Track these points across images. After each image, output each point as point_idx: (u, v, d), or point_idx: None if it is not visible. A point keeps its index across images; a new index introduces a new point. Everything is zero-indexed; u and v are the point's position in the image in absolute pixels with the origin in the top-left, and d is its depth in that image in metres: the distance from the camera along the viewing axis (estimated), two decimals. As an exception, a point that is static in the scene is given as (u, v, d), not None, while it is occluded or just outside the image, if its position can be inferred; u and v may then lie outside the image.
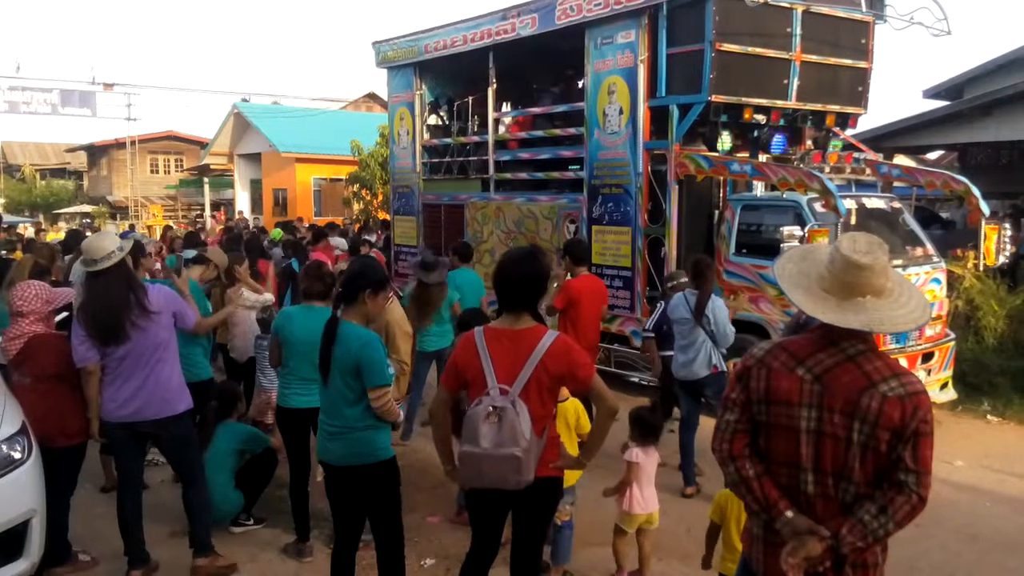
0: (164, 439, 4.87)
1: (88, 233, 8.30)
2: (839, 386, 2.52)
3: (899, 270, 7.61)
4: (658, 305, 7.25)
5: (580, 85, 10.45)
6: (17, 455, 4.32)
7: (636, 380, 9.01)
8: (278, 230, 16.71)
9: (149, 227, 29.05)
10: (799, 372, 2.58)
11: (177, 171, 44.33)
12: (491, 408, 3.34)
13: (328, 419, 4.05)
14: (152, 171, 44.85)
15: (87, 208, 41.57)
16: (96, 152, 46.21)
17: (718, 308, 6.25)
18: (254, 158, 31.97)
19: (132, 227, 18.12)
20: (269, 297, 7.30)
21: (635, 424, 4.78)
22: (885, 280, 2.56)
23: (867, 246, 2.55)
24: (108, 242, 4.71)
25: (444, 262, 7.36)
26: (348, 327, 3.98)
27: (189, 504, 4.99)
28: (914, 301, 2.59)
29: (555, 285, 6.62)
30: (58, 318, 5.26)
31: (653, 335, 7.07)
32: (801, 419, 2.56)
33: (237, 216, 28.88)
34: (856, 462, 2.51)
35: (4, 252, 9.61)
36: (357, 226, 20.41)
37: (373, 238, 15.24)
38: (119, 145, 40.69)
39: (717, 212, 9.24)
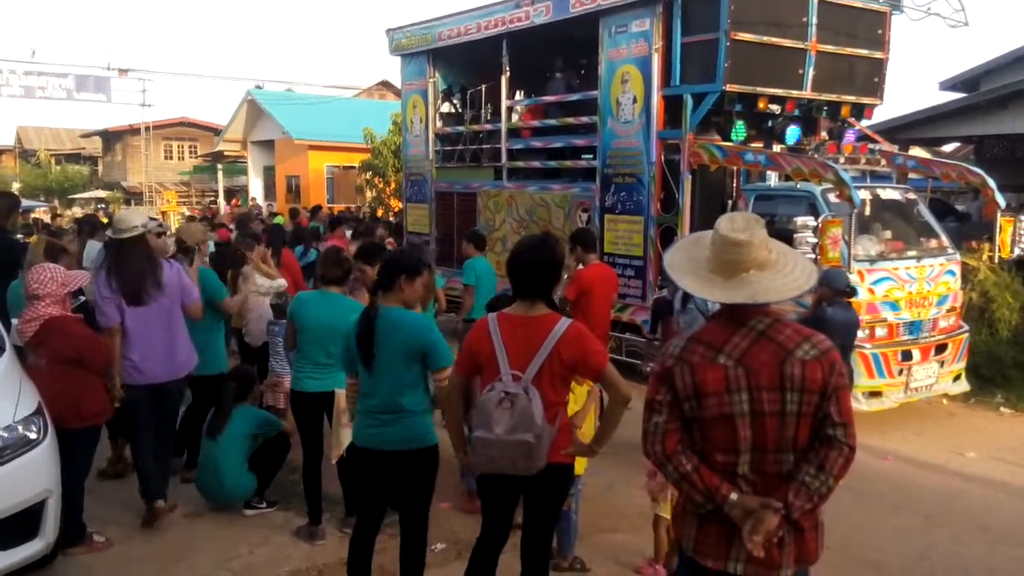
0: (170, 398, 5.46)
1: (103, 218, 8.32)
2: (760, 364, 2.61)
3: (912, 261, 7.71)
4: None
5: (594, 73, 10.42)
6: (33, 436, 4.36)
7: (648, 369, 9.00)
8: (281, 217, 16.79)
9: (163, 213, 29.15)
10: (720, 360, 2.65)
11: (191, 157, 44.41)
12: (504, 394, 3.36)
13: (379, 404, 3.97)
14: (166, 157, 44.94)
15: (102, 194, 41.71)
16: (111, 138, 46.31)
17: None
18: (267, 145, 32.01)
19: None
20: (283, 283, 7.32)
21: None
22: (767, 253, 2.65)
23: (744, 223, 2.66)
24: (136, 217, 5.43)
25: (430, 248, 7.35)
26: (399, 313, 3.97)
27: (155, 453, 5.45)
28: (799, 269, 2.69)
29: (566, 276, 6.61)
30: (75, 303, 5.36)
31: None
32: (734, 404, 2.62)
33: (250, 203, 28.95)
34: (792, 431, 2.60)
35: (21, 236, 9.64)
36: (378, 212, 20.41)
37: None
38: (133, 131, 40.74)
39: (730, 202, 9.21)
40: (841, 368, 2.62)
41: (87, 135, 48.66)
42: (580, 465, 4.46)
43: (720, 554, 2.69)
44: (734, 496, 2.61)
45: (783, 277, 2.64)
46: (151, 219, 5.88)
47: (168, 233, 9.94)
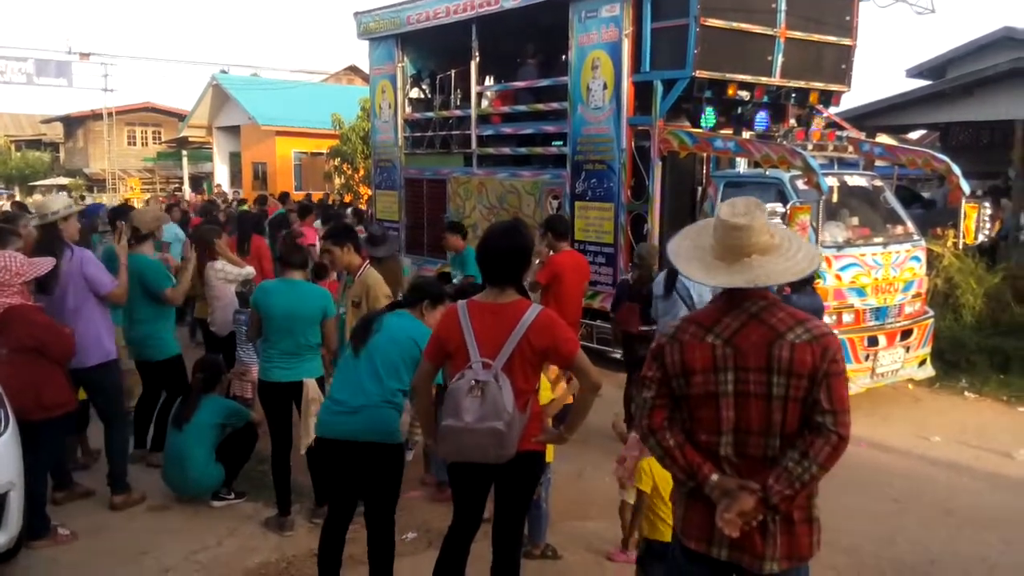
0: (85, 386, 5.39)
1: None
2: (749, 344, 2.60)
3: (879, 247, 7.77)
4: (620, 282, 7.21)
5: (563, 59, 10.38)
6: (-7, 428, 4.27)
7: (618, 356, 9.02)
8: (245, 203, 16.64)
9: (126, 200, 28.71)
10: (709, 339, 2.65)
11: (155, 143, 43.80)
12: (474, 382, 3.32)
13: (351, 393, 3.98)
14: (129, 143, 44.28)
15: (63, 180, 40.99)
16: (72, 123, 45.53)
17: (700, 283, 6.22)
18: (233, 131, 31.66)
19: (99, 204, 17.94)
20: (250, 271, 7.21)
21: None
22: (769, 237, 2.66)
23: (745, 208, 2.66)
24: (54, 203, 5.59)
25: (393, 236, 7.25)
26: (418, 322, 4.07)
27: (108, 444, 5.52)
28: (802, 253, 2.69)
29: (537, 261, 6.59)
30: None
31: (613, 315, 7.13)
32: (720, 383, 2.63)
33: (215, 189, 28.60)
34: (779, 415, 2.58)
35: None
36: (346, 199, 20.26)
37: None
38: (96, 116, 40.13)
39: (700, 189, 9.23)
40: (836, 354, 2.57)
41: (48, 121, 47.81)
42: (549, 453, 4.45)
43: (704, 536, 2.68)
44: (715, 477, 2.61)
45: (785, 261, 2.64)
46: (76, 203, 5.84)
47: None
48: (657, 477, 4.03)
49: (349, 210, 15.24)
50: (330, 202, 19.95)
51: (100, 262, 5.55)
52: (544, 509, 4.73)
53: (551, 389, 4.51)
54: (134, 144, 44.62)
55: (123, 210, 7.33)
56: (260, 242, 8.80)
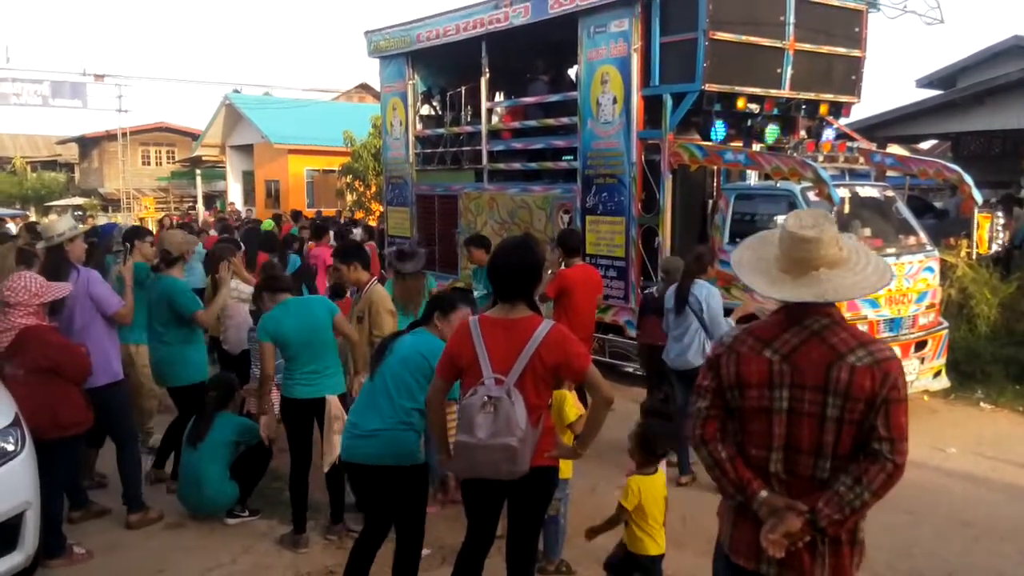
0: (93, 406, 5.11)
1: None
2: (808, 363, 2.54)
3: (891, 258, 7.74)
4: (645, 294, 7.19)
5: (574, 75, 10.43)
6: (10, 447, 4.30)
7: (631, 370, 9.01)
8: (269, 221, 16.71)
9: (141, 219, 28.89)
10: (767, 354, 2.60)
11: (169, 163, 44.08)
12: (486, 398, 3.33)
13: (367, 417, 4.01)
14: (144, 163, 44.61)
15: (79, 200, 41.31)
16: (87, 144, 45.91)
17: (712, 297, 6.23)
18: (246, 149, 31.84)
19: (114, 224, 18.13)
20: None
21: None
22: (837, 250, 2.58)
23: (813, 220, 2.59)
24: (60, 225, 5.62)
25: (420, 252, 7.27)
26: (432, 338, 4.10)
27: (121, 465, 5.48)
28: (871, 267, 2.61)
29: (549, 272, 6.60)
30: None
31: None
32: (774, 400, 2.58)
33: (229, 208, 28.77)
34: (832, 436, 2.52)
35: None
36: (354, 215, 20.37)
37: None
38: (110, 137, 40.37)
39: (711, 201, 9.23)
40: (897, 380, 2.49)
41: (63, 142, 48.22)
42: (567, 469, 4.45)
43: (752, 554, 2.65)
44: (764, 493, 2.57)
45: (854, 275, 2.57)
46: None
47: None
48: (644, 497, 4.05)
49: (358, 228, 15.29)
50: (342, 220, 20.04)
51: (106, 282, 5.59)
52: (562, 525, 4.72)
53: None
54: (148, 164, 44.95)
55: (137, 231, 7.35)
56: (266, 259, 8.86)
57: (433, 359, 3.85)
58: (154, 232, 9.79)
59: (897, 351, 7.58)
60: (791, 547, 2.51)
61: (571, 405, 4.52)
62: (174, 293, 5.95)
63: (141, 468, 5.70)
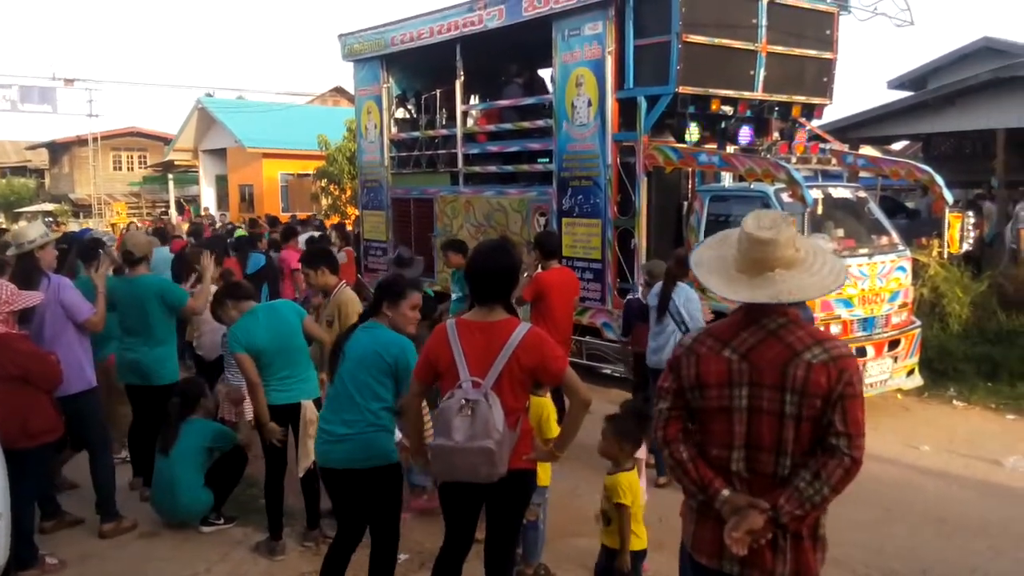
0: (66, 414, 5.04)
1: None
2: (765, 361, 2.58)
3: (864, 258, 7.82)
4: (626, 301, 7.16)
5: (548, 77, 10.45)
6: (-21, 457, 4.24)
7: (608, 372, 9.04)
8: (242, 230, 16.59)
9: (113, 225, 28.64)
10: (726, 353, 2.64)
11: (141, 168, 43.69)
12: (464, 401, 3.33)
13: (335, 423, 3.98)
14: (115, 168, 44.16)
15: (49, 206, 40.84)
16: (57, 149, 45.41)
17: (689, 300, 6.25)
18: (219, 154, 31.64)
19: (87, 229, 17.86)
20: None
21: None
22: (794, 252, 2.62)
23: (771, 222, 2.62)
24: (31, 231, 5.55)
25: (419, 259, 7.31)
26: (383, 330, 4.03)
27: (94, 474, 5.44)
28: (827, 268, 2.65)
29: (525, 275, 6.60)
30: None
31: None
32: (734, 398, 2.61)
33: (203, 212, 28.56)
34: (791, 433, 2.56)
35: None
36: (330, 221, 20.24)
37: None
38: (81, 142, 40.00)
39: (686, 203, 9.28)
40: (852, 377, 2.54)
41: (33, 147, 47.66)
42: (545, 476, 4.45)
43: (715, 552, 2.67)
44: (725, 492, 2.60)
45: (810, 276, 2.60)
46: (103, 233, 5.82)
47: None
48: (634, 492, 4.07)
49: (333, 231, 15.19)
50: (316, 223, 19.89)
51: (77, 289, 5.49)
52: (541, 530, 4.71)
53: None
54: (120, 169, 44.50)
55: (102, 241, 7.30)
56: (232, 263, 8.81)
57: (387, 353, 3.87)
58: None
59: (870, 350, 7.72)
60: (753, 544, 2.54)
61: (553, 422, 4.53)
62: (164, 287, 5.95)
63: (114, 476, 5.61)
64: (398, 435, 4.15)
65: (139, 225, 22.31)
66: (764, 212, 2.69)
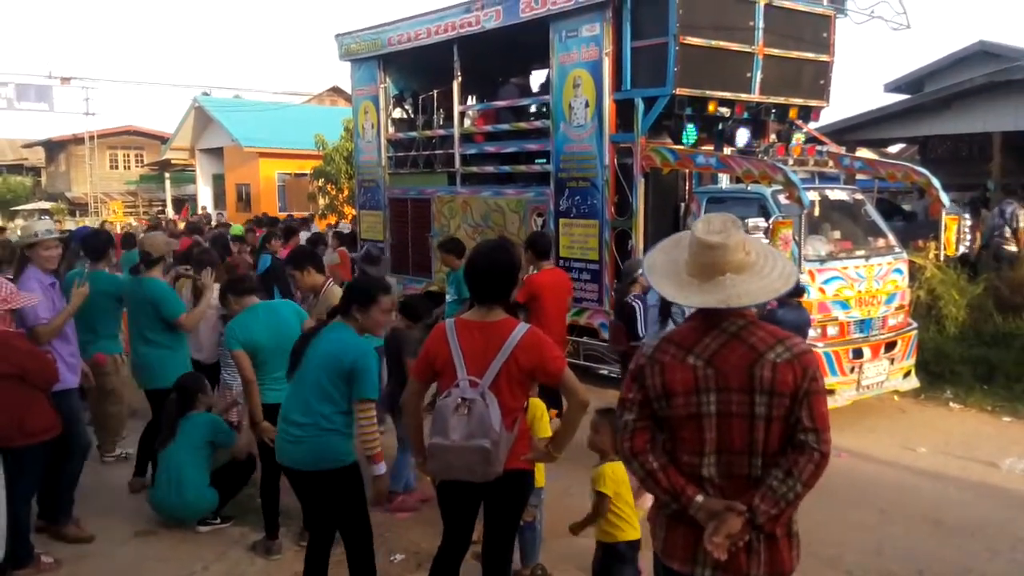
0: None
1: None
2: (730, 365, 2.58)
3: (861, 260, 7.83)
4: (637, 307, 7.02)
5: (545, 78, 10.45)
6: (-24, 456, 4.23)
7: (605, 373, 9.04)
8: (238, 226, 16.59)
9: (109, 223, 28.56)
10: (690, 360, 2.62)
11: (137, 166, 43.67)
12: (460, 400, 3.34)
13: (293, 419, 3.99)
14: (112, 166, 44.12)
15: (45, 205, 40.74)
16: (54, 148, 45.34)
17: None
18: (216, 153, 31.62)
19: (84, 227, 17.88)
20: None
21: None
22: (744, 256, 2.62)
23: (721, 226, 2.62)
24: (36, 227, 5.43)
25: (386, 258, 7.28)
26: (347, 332, 3.99)
27: (61, 472, 5.23)
28: (776, 271, 2.65)
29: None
30: None
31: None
32: (702, 405, 2.61)
33: (200, 212, 28.53)
34: (762, 434, 2.57)
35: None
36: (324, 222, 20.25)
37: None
38: (77, 140, 39.97)
39: (683, 204, 9.28)
40: (815, 372, 2.57)
41: (29, 145, 47.59)
42: (540, 477, 4.45)
43: (687, 557, 2.67)
44: (699, 498, 2.59)
45: (760, 280, 2.60)
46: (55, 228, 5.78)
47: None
48: (618, 481, 4.07)
49: (331, 231, 15.17)
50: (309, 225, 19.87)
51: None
52: (538, 531, 4.71)
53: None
54: (116, 167, 44.45)
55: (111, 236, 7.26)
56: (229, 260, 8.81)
57: (345, 358, 3.86)
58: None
59: (867, 351, 7.73)
60: (731, 547, 2.54)
61: (545, 421, 4.53)
62: (159, 298, 5.90)
63: (77, 480, 5.43)
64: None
65: (134, 224, 22.29)
66: (714, 216, 2.68)
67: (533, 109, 11.19)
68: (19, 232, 5.52)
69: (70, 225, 26.09)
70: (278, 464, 5.08)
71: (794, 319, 5.90)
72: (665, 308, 6.24)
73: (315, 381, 3.93)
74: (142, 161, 43.52)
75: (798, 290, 6.26)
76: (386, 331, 5.43)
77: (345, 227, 15.47)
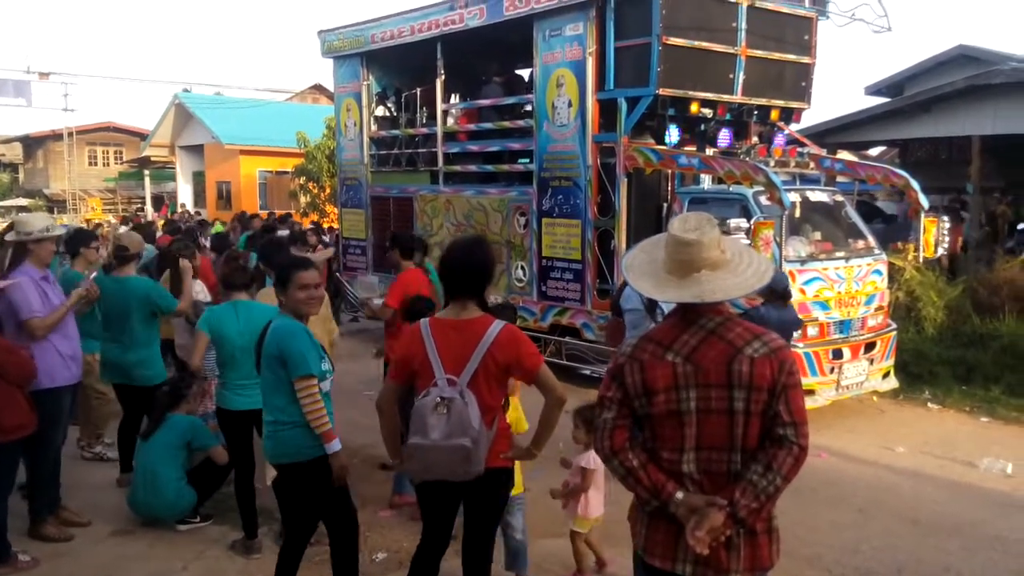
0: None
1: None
2: (708, 361, 2.61)
3: (841, 261, 7.88)
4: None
5: (528, 77, 10.45)
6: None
7: (587, 372, 9.05)
8: (219, 224, 16.50)
9: (87, 221, 28.31)
10: (669, 357, 2.65)
11: (116, 163, 43.26)
12: (439, 399, 3.32)
13: (265, 416, 4.06)
14: (91, 163, 43.73)
15: (23, 201, 40.30)
16: (32, 144, 44.90)
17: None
18: (196, 150, 31.39)
19: (64, 225, 17.72)
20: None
21: (587, 423, 4.56)
22: (719, 253, 2.67)
23: (696, 223, 2.68)
24: (36, 222, 5.28)
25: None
26: (279, 320, 4.04)
27: (33, 471, 5.21)
28: (751, 269, 2.70)
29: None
30: None
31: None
32: (681, 401, 2.62)
33: (180, 209, 28.32)
34: (742, 429, 2.59)
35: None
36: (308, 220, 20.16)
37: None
38: (56, 136, 39.60)
39: (665, 205, 9.31)
40: (792, 367, 2.60)
41: (6, 141, 47.06)
42: (518, 484, 4.41)
43: (668, 554, 2.67)
44: (679, 495, 2.60)
45: (735, 276, 2.65)
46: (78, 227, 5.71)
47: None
48: None
49: (310, 227, 15.09)
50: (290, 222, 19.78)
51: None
52: (521, 540, 4.64)
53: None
54: (95, 164, 44.05)
55: (82, 235, 7.08)
56: (204, 262, 8.73)
57: (274, 345, 3.90)
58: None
59: (847, 352, 7.77)
60: (713, 543, 2.54)
61: (522, 419, 4.52)
62: (154, 292, 5.91)
63: (53, 480, 5.37)
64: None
65: (112, 221, 22.11)
66: (690, 215, 2.74)
67: (516, 107, 11.18)
68: (25, 227, 5.27)
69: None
70: (250, 466, 5.09)
71: (777, 318, 5.93)
72: (652, 304, 6.24)
73: (264, 375, 3.99)
74: (121, 158, 43.12)
75: (786, 293, 6.30)
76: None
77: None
